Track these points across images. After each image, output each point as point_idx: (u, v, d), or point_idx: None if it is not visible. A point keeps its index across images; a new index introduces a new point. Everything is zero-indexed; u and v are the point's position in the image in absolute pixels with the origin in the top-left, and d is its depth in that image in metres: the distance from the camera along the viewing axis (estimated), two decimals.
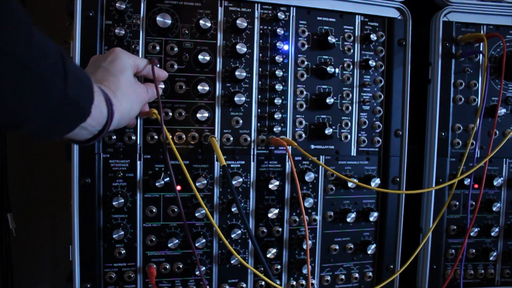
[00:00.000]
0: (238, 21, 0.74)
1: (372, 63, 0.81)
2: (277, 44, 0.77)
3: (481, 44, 0.85)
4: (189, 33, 0.74)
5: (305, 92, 0.80)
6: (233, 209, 0.76)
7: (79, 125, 0.51)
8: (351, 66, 0.82)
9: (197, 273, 0.76)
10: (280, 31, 0.78)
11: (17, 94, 0.41)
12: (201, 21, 0.73)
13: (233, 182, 0.76)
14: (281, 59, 0.78)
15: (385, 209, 0.85)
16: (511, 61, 0.84)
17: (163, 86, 0.72)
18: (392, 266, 0.85)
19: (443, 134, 0.85)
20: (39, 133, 0.48)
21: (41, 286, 1.23)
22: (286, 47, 0.79)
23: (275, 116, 0.78)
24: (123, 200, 0.72)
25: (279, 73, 0.78)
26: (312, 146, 0.82)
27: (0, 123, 0.44)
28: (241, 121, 0.77)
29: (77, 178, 0.70)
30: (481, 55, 0.85)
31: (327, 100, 0.79)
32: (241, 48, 0.75)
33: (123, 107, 0.58)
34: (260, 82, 0.78)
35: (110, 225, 0.73)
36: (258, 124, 0.79)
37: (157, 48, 0.72)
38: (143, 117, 0.72)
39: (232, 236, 0.77)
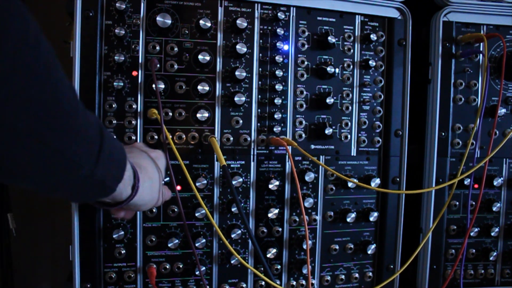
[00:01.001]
0: (238, 21, 0.74)
1: (372, 63, 0.81)
2: (277, 44, 0.77)
3: (481, 44, 0.85)
4: (189, 33, 0.74)
5: (305, 92, 0.80)
6: (233, 209, 0.76)
7: (100, 199, 0.52)
8: (351, 66, 0.82)
9: (197, 273, 0.76)
10: (280, 31, 0.78)
11: (41, 171, 0.41)
12: (201, 21, 0.73)
13: (233, 182, 0.76)
14: (281, 59, 0.78)
15: (385, 209, 0.85)
16: (511, 61, 0.84)
17: (163, 86, 0.72)
18: (392, 266, 0.85)
19: (443, 134, 0.85)
20: (64, 198, 0.51)
21: (41, 286, 1.23)
22: (286, 47, 0.78)
23: (275, 116, 0.78)
24: None
25: (279, 73, 0.78)
26: (312, 146, 0.82)
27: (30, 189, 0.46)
28: (241, 121, 0.77)
29: None
30: (481, 55, 0.85)
31: (327, 100, 0.79)
32: (241, 48, 0.75)
33: (146, 192, 0.59)
34: (260, 82, 0.78)
35: (110, 225, 0.73)
36: (258, 124, 0.79)
37: (157, 48, 0.72)
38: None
39: (232, 236, 0.77)
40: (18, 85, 0.35)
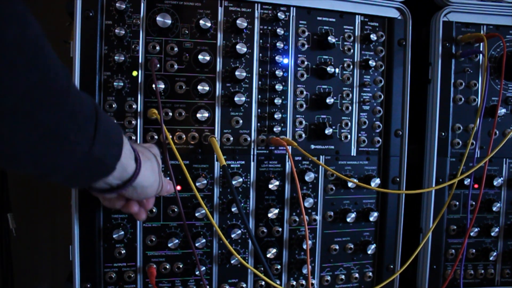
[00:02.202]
0: (238, 21, 0.74)
1: (372, 63, 0.81)
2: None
3: (481, 44, 0.85)
4: (189, 33, 0.74)
5: (305, 92, 0.80)
6: (233, 209, 0.76)
7: (102, 179, 0.51)
8: (351, 66, 0.82)
9: (197, 273, 0.76)
10: (280, 31, 0.78)
11: (38, 152, 0.40)
12: (201, 21, 0.73)
13: (233, 182, 0.76)
14: (281, 59, 0.78)
15: (385, 209, 0.85)
16: (511, 61, 0.84)
17: (163, 86, 0.72)
18: (392, 266, 0.85)
19: (443, 134, 0.85)
20: (63, 183, 0.49)
21: (41, 286, 1.23)
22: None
23: (275, 116, 0.78)
24: None
25: (279, 73, 0.78)
26: (312, 146, 0.82)
27: (28, 174, 0.45)
28: (241, 121, 0.77)
29: None
30: (481, 55, 0.85)
31: (327, 100, 0.79)
32: (241, 48, 0.75)
33: (148, 174, 0.58)
34: (260, 82, 0.78)
35: (110, 225, 0.73)
36: (258, 124, 0.79)
37: (157, 48, 0.72)
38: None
39: (232, 236, 0.77)
40: (3, 62, 0.34)
